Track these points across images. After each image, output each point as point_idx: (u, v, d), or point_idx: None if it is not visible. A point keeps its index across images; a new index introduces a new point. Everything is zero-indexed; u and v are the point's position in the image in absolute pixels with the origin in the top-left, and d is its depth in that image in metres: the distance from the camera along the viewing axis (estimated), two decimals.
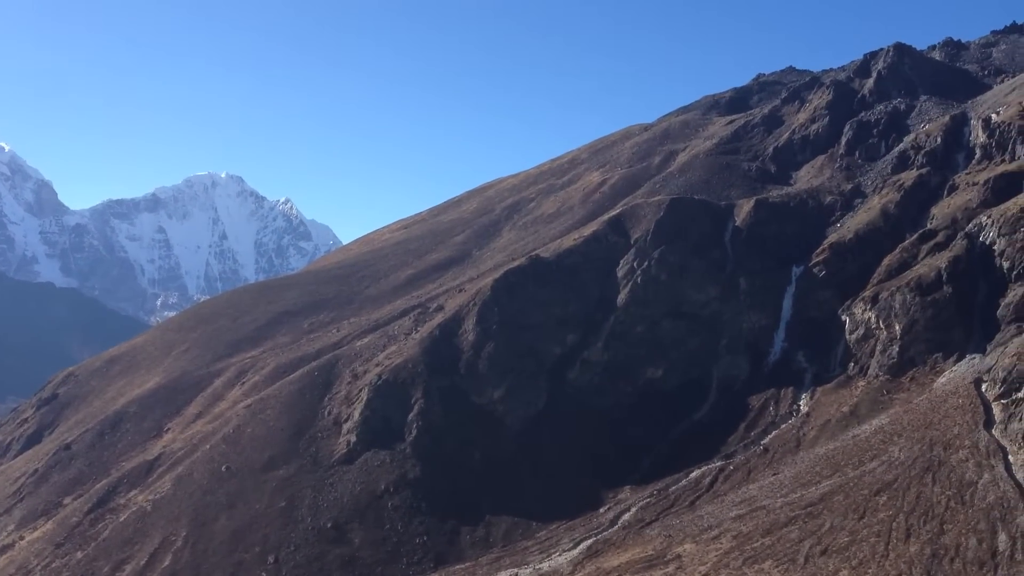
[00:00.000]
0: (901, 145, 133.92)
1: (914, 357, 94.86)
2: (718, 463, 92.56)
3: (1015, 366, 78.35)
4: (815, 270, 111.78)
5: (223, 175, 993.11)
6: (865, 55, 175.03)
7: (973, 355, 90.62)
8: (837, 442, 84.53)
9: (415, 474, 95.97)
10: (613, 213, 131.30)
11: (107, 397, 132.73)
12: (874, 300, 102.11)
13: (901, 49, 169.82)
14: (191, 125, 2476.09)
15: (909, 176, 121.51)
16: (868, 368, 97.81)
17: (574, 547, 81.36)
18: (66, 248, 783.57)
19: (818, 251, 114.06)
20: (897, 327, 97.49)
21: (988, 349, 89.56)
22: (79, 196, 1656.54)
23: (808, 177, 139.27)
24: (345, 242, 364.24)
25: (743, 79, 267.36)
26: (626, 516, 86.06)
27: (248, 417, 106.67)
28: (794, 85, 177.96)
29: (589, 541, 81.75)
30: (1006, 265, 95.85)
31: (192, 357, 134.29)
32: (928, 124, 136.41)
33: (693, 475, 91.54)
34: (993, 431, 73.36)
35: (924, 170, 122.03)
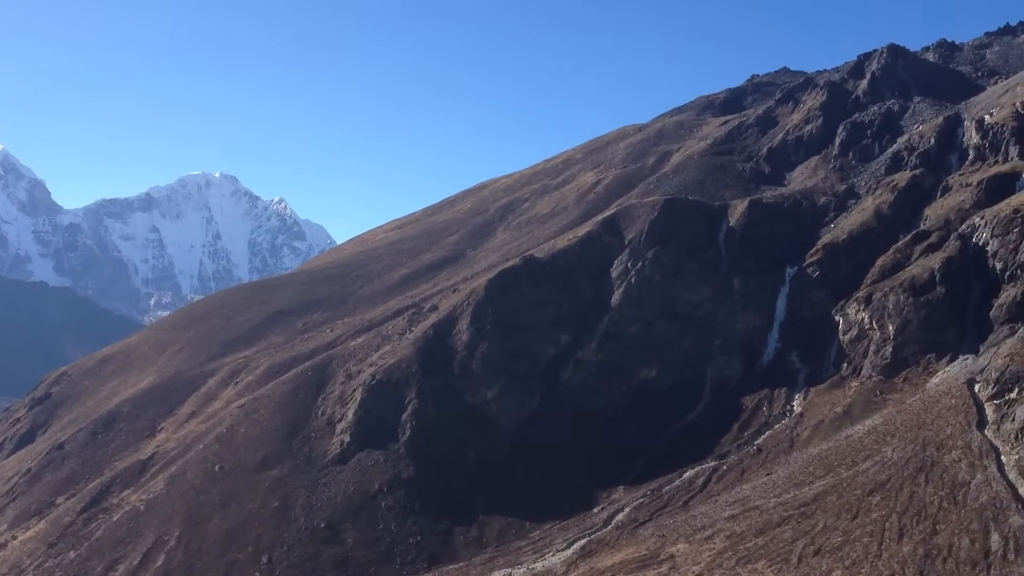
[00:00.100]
0: (895, 146, 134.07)
1: (907, 358, 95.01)
2: (711, 463, 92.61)
3: (1008, 367, 78.58)
4: (809, 271, 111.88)
5: (217, 175, 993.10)
6: (859, 56, 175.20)
7: (966, 356, 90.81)
8: (830, 442, 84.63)
9: (409, 474, 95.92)
10: (607, 213, 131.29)
11: (100, 396, 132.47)
12: (867, 301, 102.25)
13: (895, 50, 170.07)
14: (185, 124, 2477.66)
15: (903, 177, 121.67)
16: (861, 368, 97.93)
17: (568, 547, 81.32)
18: (59, 247, 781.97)
19: (812, 252, 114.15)
20: (890, 328, 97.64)
21: (981, 350, 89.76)
22: (72, 195, 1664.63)
23: (802, 178, 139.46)
24: (339, 242, 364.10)
25: (737, 80, 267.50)
26: (620, 516, 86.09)
27: (242, 417, 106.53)
28: (788, 86, 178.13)
29: (583, 541, 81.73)
30: (999, 266, 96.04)
31: (185, 357, 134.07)
32: (922, 125, 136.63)
33: (687, 475, 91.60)
34: (986, 431, 73.51)
35: (917, 171, 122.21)
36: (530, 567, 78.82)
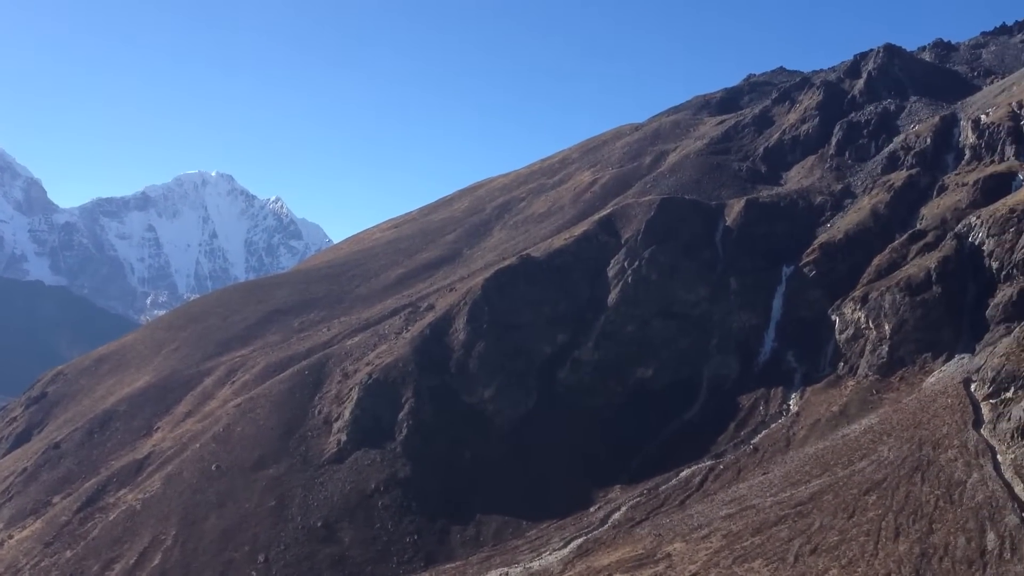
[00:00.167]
0: (891, 146, 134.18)
1: (903, 357, 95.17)
2: (708, 462, 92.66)
3: (1004, 366, 78.62)
4: (805, 270, 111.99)
5: (213, 174, 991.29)
6: (855, 56, 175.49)
7: (962, 355, 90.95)
8: (827, 441, 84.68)
9: (405, 473, 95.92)
10: (604, 213, 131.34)
11: (96, 396, 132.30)
12: (864, 300, 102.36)
13: (891, 50, 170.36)
14: (181, 123, 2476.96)
15: (899, 177, 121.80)
16: (858, 368, 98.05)
17: (564, 546, 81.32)
18: (55, 246, 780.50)
19: (808, 251, 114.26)
20: (887, 327, 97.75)
21: (977, 349, 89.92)
22: (68, 194, 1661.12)
23: (798, 177, 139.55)
24: (336, 241, 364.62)
25: (734, 79, 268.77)
26: (616, 515, 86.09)
27: (238, 416, 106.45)
28: (784, 86, 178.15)
29: (579, 540, 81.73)
30: (995, 265, 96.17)
31: (182, 356, 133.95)
32: (918, 125, 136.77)
33: (683, 474, 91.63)
34: (982, 430, 73.55)
35: (914, 171, 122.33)
36: (527, 566, 78.81)
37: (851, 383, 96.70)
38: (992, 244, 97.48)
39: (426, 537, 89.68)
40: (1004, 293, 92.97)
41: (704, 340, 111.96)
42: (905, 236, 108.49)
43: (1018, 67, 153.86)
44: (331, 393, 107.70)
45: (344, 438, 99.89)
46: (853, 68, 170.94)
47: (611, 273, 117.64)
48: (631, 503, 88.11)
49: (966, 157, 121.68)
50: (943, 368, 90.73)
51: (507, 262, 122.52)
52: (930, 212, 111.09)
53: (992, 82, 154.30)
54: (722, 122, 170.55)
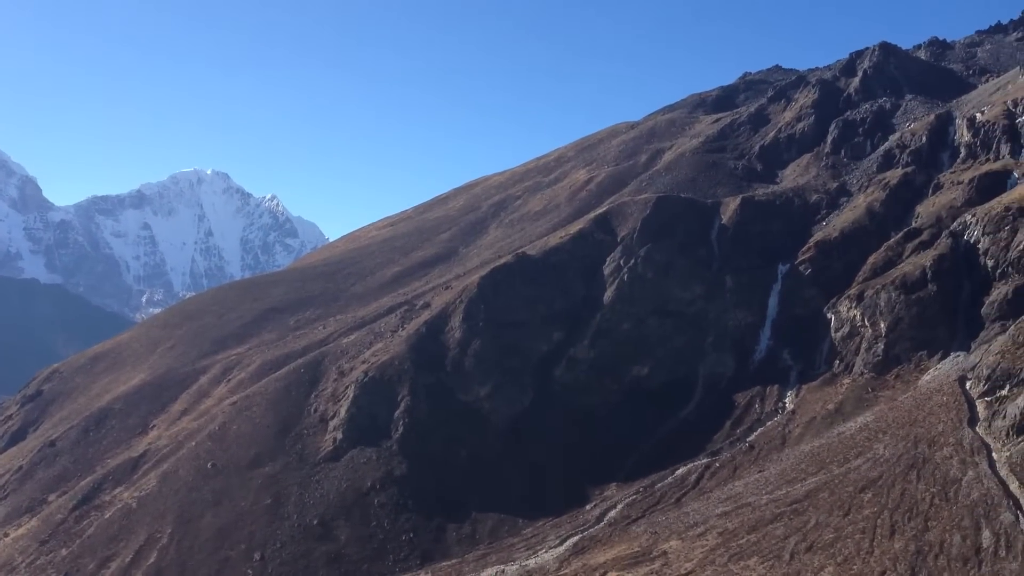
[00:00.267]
0: (886, 144, 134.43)
1: (899, 355, 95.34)
2: (704, 460, 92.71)
3: (999, 364, 78.80)
4: (801, 268, 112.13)
5: (209, 172, 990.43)
6: (851, 54, 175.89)
7: (957, 353, 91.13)
8: (822, 439, 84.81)
9: (401, 471, 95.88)
10: (599, 211, 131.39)
11: (92, 394, 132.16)
12: (859, 298, 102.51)
13: (887, 48, 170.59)
14: (177, 122, 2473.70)
15: (894, 175, 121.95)
16: (853, 366, 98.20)
17: (560, 544, 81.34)
18: (51, 244, 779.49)
19: (804, 249, 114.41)
20: (882, 325, 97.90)
21: (972, 347, 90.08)
22: (64, 192, 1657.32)
23: (794, 175, 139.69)
24: (331, 239, 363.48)
25: (729, 78, 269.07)
26: (612, 513, 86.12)
27: (234, 414, 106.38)
28: (780, 84, 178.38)
29: (575, 538, 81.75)
30: (990, 263, 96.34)
31: (177, 354, 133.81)
32: (913, 123, 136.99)
33: (679, 472, 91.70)
34: (977, 428, 73.71)
35: (909, 169, 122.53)
36: (523, 564, 78.82)
37: (847, 381, 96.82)
38: (987, 242, 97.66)
39: (422, 535, 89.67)
40: (999, 291, 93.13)
41: (700, 338, 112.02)
42: (900, 234, 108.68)
43: (1013, 66, 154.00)
44: (327, 391, 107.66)
45: (340, 436, 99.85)
46: (849, 66, 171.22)
47: (607, 271, 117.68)
48: (627, 501, 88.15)
49: (961, 155, 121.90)
50: (938, 366, 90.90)
51: (503, 260, 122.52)
52: (925, 210, 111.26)
53: (987, 80, 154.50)
54: (718, 120, 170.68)
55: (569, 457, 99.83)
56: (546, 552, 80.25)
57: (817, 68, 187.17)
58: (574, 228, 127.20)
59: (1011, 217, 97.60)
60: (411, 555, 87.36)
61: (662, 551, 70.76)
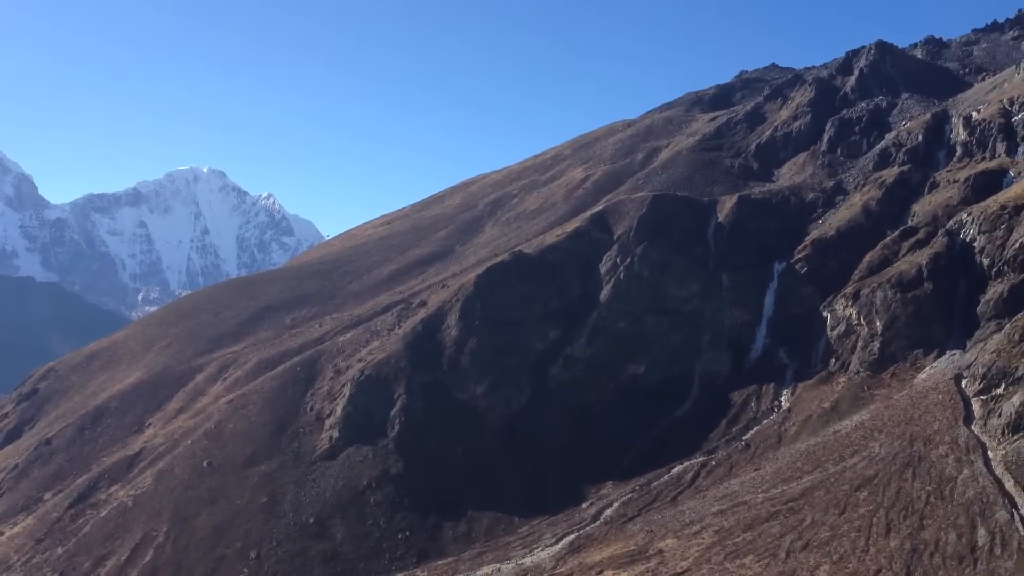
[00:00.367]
0: (883, 142, 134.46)
1: (895, 353, 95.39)
2: (700, 459, 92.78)
3: (995, 362, 78.91)
4: (797, 267, 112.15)
5: (205, 170, 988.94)
6: (847, 53, 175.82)
7: (953, 351, 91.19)
8: (818, 438, 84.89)
9: (397, 470, 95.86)
10: (596, 209, 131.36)
11: (88, 392, 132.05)
12: (855, 296, 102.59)
13: (883, 47, 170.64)
14: (173, 120, 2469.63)
15: (890, 173, 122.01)
16: (849, 364, 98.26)
17: (556, 542, 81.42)
18: (46, 242, 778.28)
19: (800, 248, 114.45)
20: (878, 323, 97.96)
21: (968, 345, 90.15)
22: (59, 190, 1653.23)
23: (790, 174, 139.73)
24: (328, 237, 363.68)
25: (726, 76, 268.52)
26: (608, 511, 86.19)
27: (230, 412, 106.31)
28: (777, 82, 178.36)
29: (571, 536, 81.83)
30: (986, 262, 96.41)
31: (173, 352, 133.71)
32: (909, 122, 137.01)
33: (675, 471, 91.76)
34: (973, 427, 73.85)
35: (905, 167, 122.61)
36: (519, 562, 78.88)
37: (842, 379, 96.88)
38: (983, 241, 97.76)
39: (418, 533, 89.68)
40: (995, 290, 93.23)
41: (696, 336, 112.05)
42: (896, 233, 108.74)
43: (1009, 64, 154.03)
44: (323, 389, 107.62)
45: (336, 434, 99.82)
46: (845, 65, 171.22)
47: (603, 269, 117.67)
48: (623, 499, 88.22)
49: (957, 154, 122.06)
50: (934, 364, 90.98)
51: (499, 258, 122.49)
52: (921, 209, 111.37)
53: (983, 79, 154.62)
54: (714, 119, 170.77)
55: (565, 455, 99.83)
56: (542, 550, 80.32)
57: (813, 67, 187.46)
58: (570, 226, 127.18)
59: (1007, 215, 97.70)
60: (407, 553, 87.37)
61: (658, 549, 70.85)
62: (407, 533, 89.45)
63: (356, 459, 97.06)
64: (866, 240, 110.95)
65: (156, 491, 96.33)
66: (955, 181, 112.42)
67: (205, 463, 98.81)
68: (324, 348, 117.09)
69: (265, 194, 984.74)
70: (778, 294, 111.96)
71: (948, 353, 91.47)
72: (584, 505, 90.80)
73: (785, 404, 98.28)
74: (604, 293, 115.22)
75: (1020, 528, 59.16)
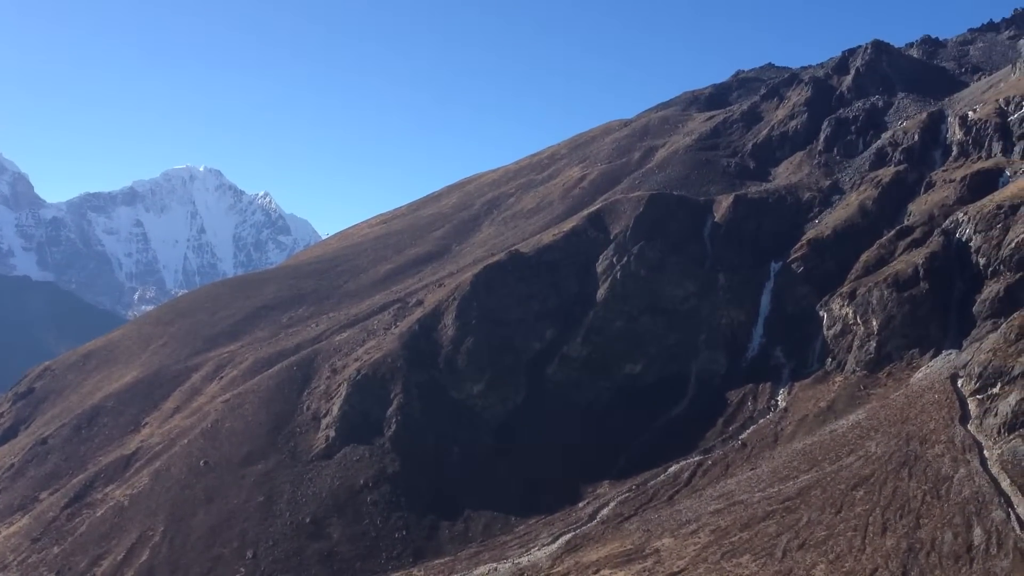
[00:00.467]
0: (879, 142, 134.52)
1: (891, 352, 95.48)
2: (696, 458, 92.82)
3: (991, 362, 78.99)
4: (793, 266, 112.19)
5: (201, 169, 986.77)
6: (843, 52, 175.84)
7: (949, 351, 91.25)
8: (814, 437, 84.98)
9: (394, 469, 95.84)
10: (592, 208, 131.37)
11: (84, 391, 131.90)
12: (852, 296, 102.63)
13: (879, 46, 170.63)
14: (169, 119, 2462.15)
15: (887, 173, 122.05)
16: (845, 363, 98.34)
17: (553, 541, 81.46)
18: (42, 241, 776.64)
19: (796, 247, 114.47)
20: (874, 323, 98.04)
21: (964, 345, 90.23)
22: (55, 189, 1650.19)
23: (787, 173, 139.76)
24: (324, 236, 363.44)
25: (722, 75, 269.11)
26: (605, 511, 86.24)
27: (226, 412, 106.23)
28: (773, 82, 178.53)
29: (568, 535, 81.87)
30: (982, 261, 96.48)
31: (170, 351, 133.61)
32: (906, 121, 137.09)
33: (671, 470, 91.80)
34: (969, 426, 73.98)
35: (901, 167, 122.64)
36: (515, 562, 78.90)
37: (839, 379, 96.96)
38: (979, 240, 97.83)
39: (414, 533, 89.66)
40: (991, 289, 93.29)
41: (692, 336, 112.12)
42: (893, 232, 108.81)
43: (1005, 64, 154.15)
44: (319, 389, 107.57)
45: (332, 434, 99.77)
46: (841, 64, 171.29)
47: (600, 269, 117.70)
48: (619, 499, 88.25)
49: (953, 153, 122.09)
50: (930, 364, 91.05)
51: (496, 258, 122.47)
52: (918, 208, 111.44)
53: (979, 79, 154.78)
54: (711, 118, 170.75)
55: (562, 455, 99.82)
56: (539, 550, 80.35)
57: (810, 66, 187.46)
58: (567, 226, 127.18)
59: (1003, 215, 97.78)
60: (404, 553, 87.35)
61: (654, 549, 70.91)
62: (403, 532, 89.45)
63: (352, 458, 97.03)
64: (862, 239, 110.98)
65: (152, 490, 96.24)
66: (951, 181, 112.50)
67: (201, 462, 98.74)
68: (320, 347, 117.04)
69: (261, 193, 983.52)
70: (774, 293, 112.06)
71: (944, 352, 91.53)
72: (580, 504, 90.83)
73: (781, 403, 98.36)
74: (600, 292, 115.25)
75: (1016, 527, 59.32)
